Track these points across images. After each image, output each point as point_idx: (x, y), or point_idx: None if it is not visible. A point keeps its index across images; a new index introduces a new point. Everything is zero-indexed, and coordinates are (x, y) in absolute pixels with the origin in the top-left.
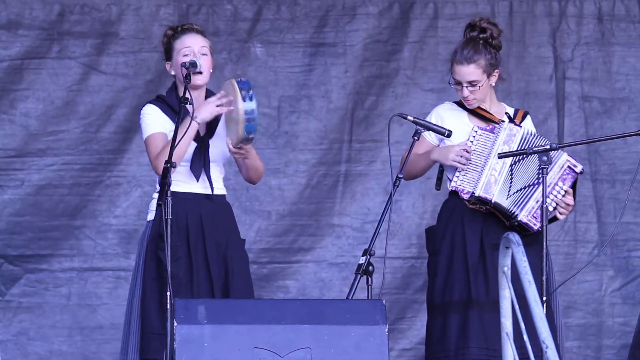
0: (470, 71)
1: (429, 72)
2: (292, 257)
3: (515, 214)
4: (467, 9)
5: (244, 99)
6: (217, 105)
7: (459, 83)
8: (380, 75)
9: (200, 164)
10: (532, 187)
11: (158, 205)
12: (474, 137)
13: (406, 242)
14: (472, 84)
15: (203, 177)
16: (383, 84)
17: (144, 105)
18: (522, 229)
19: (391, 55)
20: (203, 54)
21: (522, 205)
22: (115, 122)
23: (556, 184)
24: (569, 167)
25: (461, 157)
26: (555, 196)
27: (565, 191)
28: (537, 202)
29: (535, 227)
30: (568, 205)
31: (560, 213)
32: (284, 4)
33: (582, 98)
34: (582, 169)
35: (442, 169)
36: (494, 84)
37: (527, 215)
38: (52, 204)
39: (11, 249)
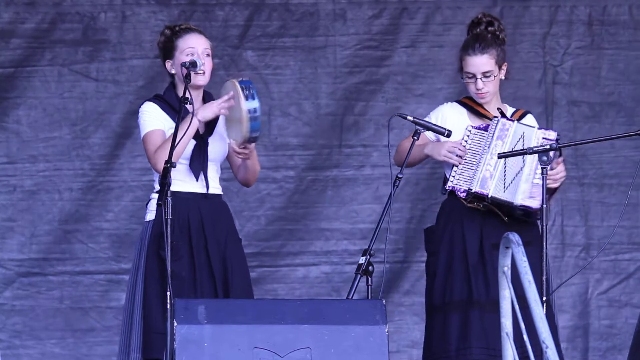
0: (484, 62)
1: (419, 78)
2: (281, 261)
3: (510, 201)
4: (457, 14)
5: (246, 98)
6: (220, 106)
7: (472, 76)
8: (371, 81)
9: (199, 162)
10: (519, 172)
11: (158, 205)
12: (467, 136)
13: (393, 246)
14: (486, 75)
15: (201, 175)
16: (373, 89)
17: (142, 103)
18: (526, 215)
19: (382, 61)
20: (206, 55)
21: (515, 191)
22: (107, 128)
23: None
24: (543, 138)
25: (453, 153)
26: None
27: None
28: (527, 181)
29: (534, 206)
30: (559, 173)
31: (554, 181)
32: (275, 10)
33: (571, 103)
34: (558, 135)
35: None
36: (503, 77)
37: (522, 197)
38: (45, 209)
39: (4, 252)
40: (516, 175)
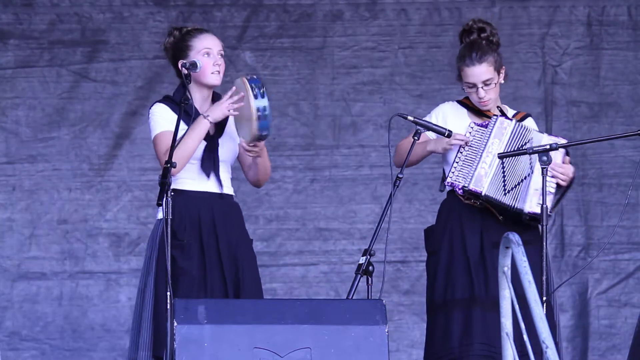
0: (483, 70)
1: (417, 78)
2: (280, 261)
3: (520, 208)
4: (455, 15)
5: (255, 97)
6: (230, 107)
7: (473, 86)
8: (369, 82)
9: (210, 162)
10: (526, 178)
11: (158, 204)
12: (469, 132)
13: (392, 246)
14: (486, 83)
15: (213, 175)
16: (371, 90)
17: (152, 105)
18: (533, 220)
19: (379, 62)
20: (220, 56)
21: (523, 199)
22: (106, 128)
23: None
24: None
25: (455, 140)
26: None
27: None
28: (536, 190)
29: (539, 211)
30: (567, 174)
31: (563, 180)
32: (273, 11)
33: (570, 103)
34: (568, 142)
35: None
36: (502, 82)
37: (529, 205)
38: (44, 208)
39: (3, 252)
40: (522, 180)
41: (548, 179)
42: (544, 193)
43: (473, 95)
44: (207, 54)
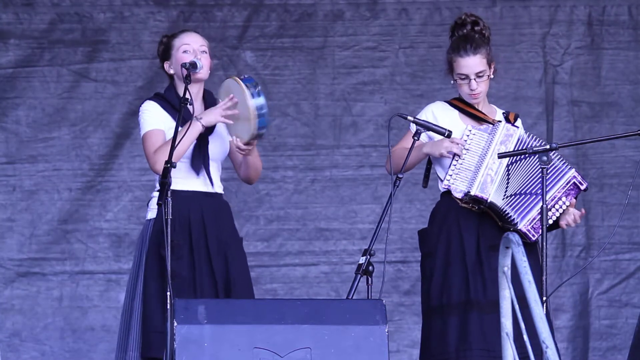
0: (477, 62)
1: (418, 78)
2: (280, 261)
3: (515, 221)
4: (456, 14)
5: (252, 96)
6: (223, 114)
7: (465, 78)
8: (369, 82)
9: (200, 160)
10: (536, 196)
11: (158, 204)
12: (467, 136)
13: (392, 246)
14: (479, 75)
15: (203, 173)
16: (372, 90)
17: (142, 102)
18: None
19: (380, 62)
20: (202, 52)
21: (523, 214)
22: (106, 128)
23: (560, 198)
24: (574, 183)
25: (453, 148)
26: (557, 210)
27: (568, 206)
28: (539, 213)
29: (533, 238)
30: (575, 219)
31: (566, 224)
32: (274, 11)
33: (572, 103)
34: (587, 187)
35: (429, 166)
36: (492, 77)
37: (527, 225)
38: (44, 208)
39: (3, 252)
40: (524, 193)
41: (559, 202)
42: (543, 194)
43: (464, 87)
44: (185, 50)
